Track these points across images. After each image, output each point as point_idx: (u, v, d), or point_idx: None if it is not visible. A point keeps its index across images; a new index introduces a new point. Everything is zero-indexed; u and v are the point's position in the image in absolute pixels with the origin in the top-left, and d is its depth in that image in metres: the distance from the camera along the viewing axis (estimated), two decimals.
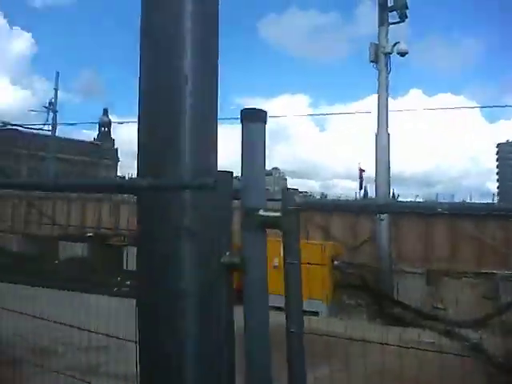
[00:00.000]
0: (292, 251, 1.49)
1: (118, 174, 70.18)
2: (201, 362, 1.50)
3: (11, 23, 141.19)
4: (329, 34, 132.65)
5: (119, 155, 78.01)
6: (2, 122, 33.33)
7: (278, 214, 1.48)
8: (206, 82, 1.61)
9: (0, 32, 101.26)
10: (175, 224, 1.49)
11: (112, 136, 76.52)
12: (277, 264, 2.19)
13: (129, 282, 10.72)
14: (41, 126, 31.99)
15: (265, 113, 1.57)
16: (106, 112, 52.82)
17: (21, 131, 62.54)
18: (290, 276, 1.50)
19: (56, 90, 32.28)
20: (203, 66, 1.59)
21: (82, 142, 68.49)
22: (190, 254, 1.51)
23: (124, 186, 2.21)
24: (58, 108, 31.79)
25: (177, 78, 1.55)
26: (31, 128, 34.54)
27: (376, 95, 13.03)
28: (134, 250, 1.79)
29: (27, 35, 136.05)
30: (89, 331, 2.55)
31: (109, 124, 73.35)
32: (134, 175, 1.71)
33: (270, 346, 1.53)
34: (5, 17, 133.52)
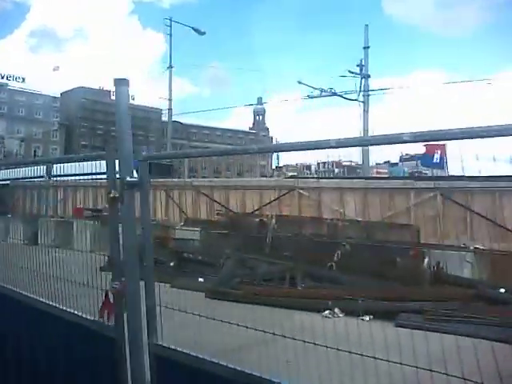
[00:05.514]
0: None
1: (274, 161, 70.93)
2: None
3: (144, 25, 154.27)
4: (457, 3, 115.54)
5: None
6: (320, 89, 28.41)
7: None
8: None
9: (135, 34, 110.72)
10: None
11: (266, 124, 77.86)
12: None
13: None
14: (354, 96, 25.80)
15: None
16: (259, 100, 53.07)
17: (182, 123, 66.47)
18: None
19: (367, 47, 26.26)
20: None
21: (237, 130, 70.71)
22: None
23: None
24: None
25: None
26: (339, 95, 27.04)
27: None
28: None
29: (159, 35, 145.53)
30: None
31: (263, 112, 74.60)
32: None
33: None
34: (139, 19, 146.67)
